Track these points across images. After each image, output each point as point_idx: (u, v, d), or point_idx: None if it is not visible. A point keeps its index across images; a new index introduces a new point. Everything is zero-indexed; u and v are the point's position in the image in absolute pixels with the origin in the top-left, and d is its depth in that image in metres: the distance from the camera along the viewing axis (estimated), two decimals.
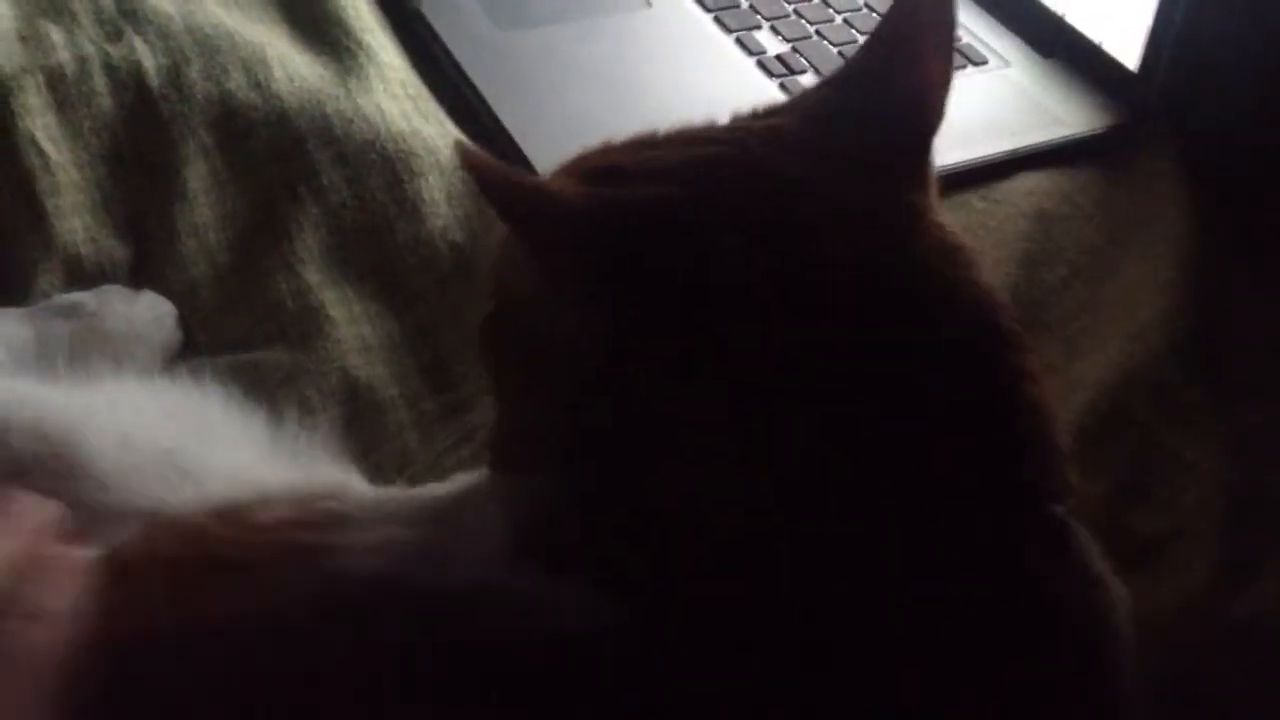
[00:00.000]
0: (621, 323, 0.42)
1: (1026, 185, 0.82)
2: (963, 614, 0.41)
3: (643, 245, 0.42)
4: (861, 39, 0.94)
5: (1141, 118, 0.89)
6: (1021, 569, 0.42)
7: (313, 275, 0.72)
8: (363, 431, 0.65)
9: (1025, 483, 0.43)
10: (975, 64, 0.94)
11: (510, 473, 0.48)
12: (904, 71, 0.47)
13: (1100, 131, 0.89)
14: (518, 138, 0.83)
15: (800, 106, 0.49)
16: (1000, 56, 0.95)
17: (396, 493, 0.54)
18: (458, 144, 0.42)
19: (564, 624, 0.41)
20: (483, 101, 0.86)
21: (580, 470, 0.43)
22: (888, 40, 0.48)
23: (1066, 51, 0.93)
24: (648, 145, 0.47)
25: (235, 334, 0.71)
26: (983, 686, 0.40)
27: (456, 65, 0.88)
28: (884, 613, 0.40)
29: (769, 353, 0.41)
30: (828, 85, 0.49)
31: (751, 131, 0.47)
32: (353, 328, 0.70)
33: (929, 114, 0.47)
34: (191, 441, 0.55)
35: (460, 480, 0.52)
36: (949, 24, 0.48)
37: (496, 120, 0.84)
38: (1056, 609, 0.42)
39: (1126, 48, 0.90)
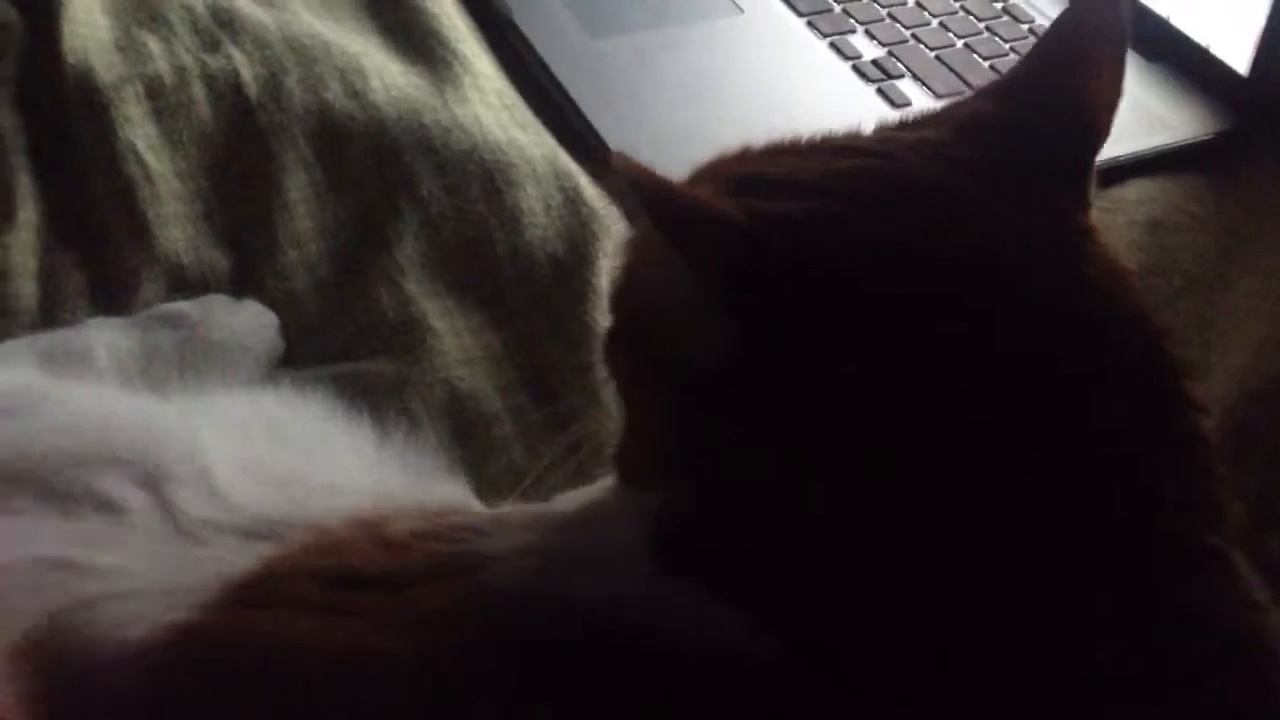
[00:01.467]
0: (773, 338, 0.41)
1: (1137, 193, 0.80)
2: (1129, 645, 0.39)
3: (798, 262, 0.41)
4: (960, 43, 0.93)
5: (1252, 122, 0.86)
6: (1188, 598, 0.40)
7: (413, 286, 0.72)
8: (470, 445, 0.64)
9: (1190, 512, 0.42)
10: None
11: (637, 481, 0.47)
12: (1070, 85, 0.45)
13: (1209, 137, 0.87)
14: (614, 146, 0.82)
15: (954, 117, 0.47)
16: None
17: (518, 509, 0.53)
18: (617, 155, 0.40)
19: (700, 640, 0.40)
20: (577, 110, 0.85)
21: (721, 485, 0.42)
22: (1053, 52, 0.47)
23: (1173, 55, 0.91)
24: (791, 153, 0.46)
25: (337, 345, 0.70)
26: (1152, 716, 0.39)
27: (550, 74, 0.88)
28: (1041, 645, 0.39)
29: (929, 373, 0.40)
30: (983, 97, 0.47)
31: (903, 143, 0.45)
32: (455, 339, 0.70)
33: (1095, 131, 0.45)
34: (302, 452, 0.55)
35: (583, 494, 0.51)
36: (1121, 38, 0.46)
37: (591, 128, 0.83)
38: (1224, 637, 0.40)
39: (1236, 51, 0.87)
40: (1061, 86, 0.46)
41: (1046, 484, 0.40)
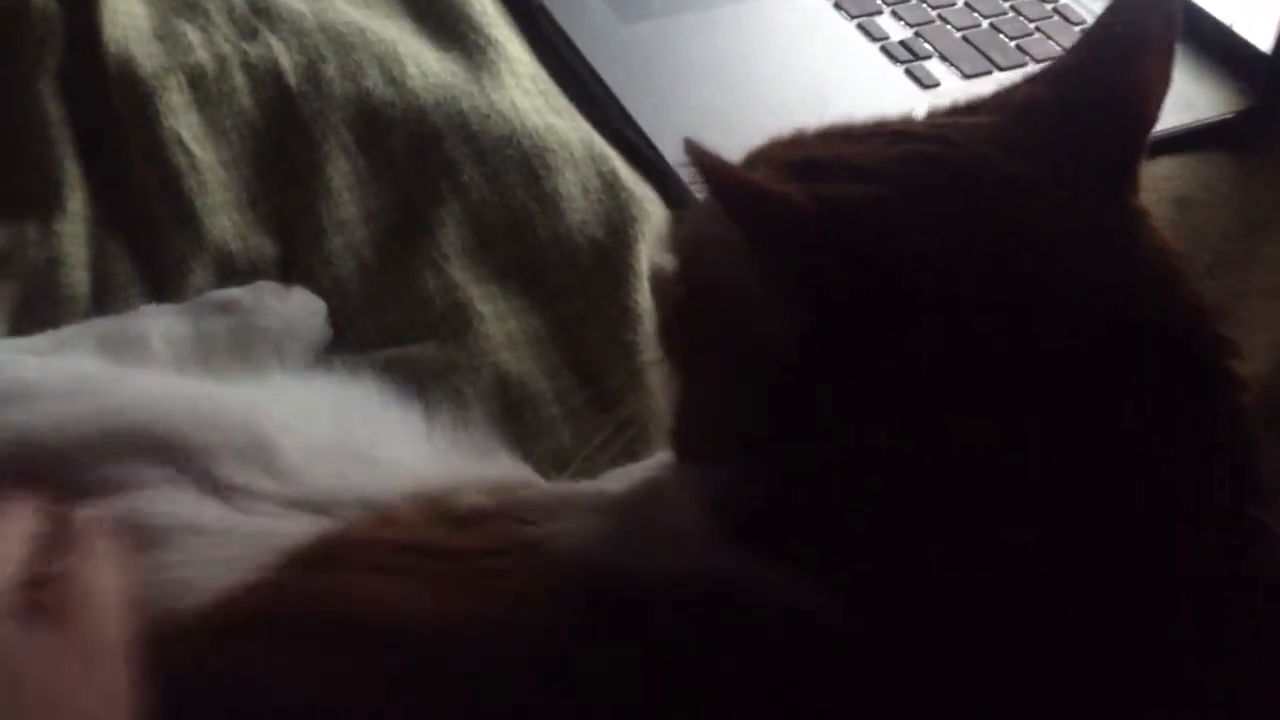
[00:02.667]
0: (832, 321, 0.42)
1: (1165, 170, 0.81)
2: (1174, 618, 0.41)
3: (857, 247, 0.42)
4: (985, 23, 0.94)
5: (1275, 100, 0.88)
6: (1246, 574, 0.42)
7: (458, 272, 0.73)
8: (519, 426, 0.66)
9: (1230, 486, 0.43)
10: None
11: (695, 458, 0.48)
12: (1123, 72, 0.47)
13: (1232, 115, 0.88)
14: (648, 129, 0.83)
15: (1008, 102, 0.48)
16: None
17: (579, 485, 0.54)
18: (687, 141, 0.41)
19: (775, 611, 0.42)
20: (610, 94, 0.86)
21: (777, 459, 0.44)
22: (1106, 39, 0.48)
23: (1197, 34, 0.92)
24: (845, 139, 0.47)
25: (384, 330, 0.72)
26: (1224, 695, 0.41)
27: (582, 58, 0.89)
28: (1109, 627, 0.40)
29: (989, 357, 0.41)
30: (1037, 82, 0.48)
31: (958, 128, 0.46)
32: (500, 324, 0.71)
33: (1145, 116, 0.47)
34: (363, 432, 0.57)
35: (635, 471, 0.53)
36: (1172, 26, 0.47)
37: (625, 112, 0.85)
38: (1269, 605, 0.42)
39: (1259, 29, 0.89)
40: (1114, 73, 0.47)
41: (1100, 466, 0.41)
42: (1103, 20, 0.49)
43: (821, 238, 0.42)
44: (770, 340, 0.43)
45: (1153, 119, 0.47)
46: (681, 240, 0.50)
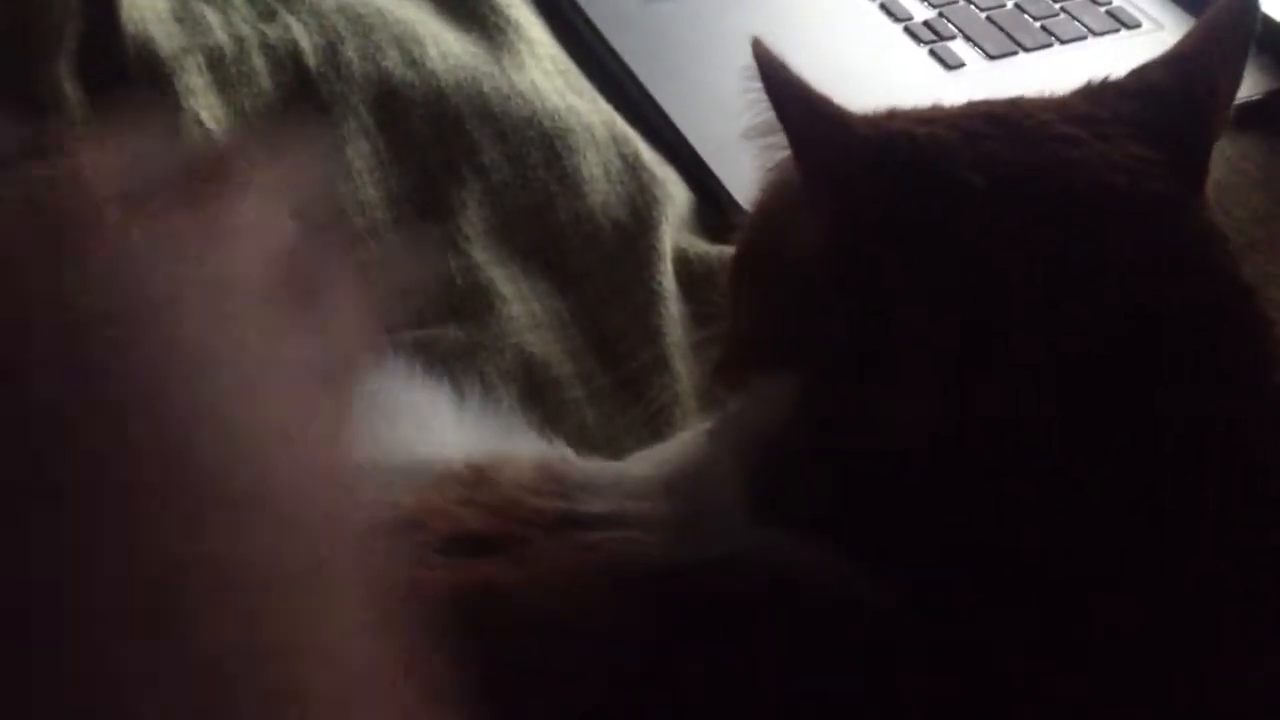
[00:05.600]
0: (860, 240, 0.43)
1: None
2: (1205, 625, 0.40)
3: (902, 175, 0.43)
4: (1010, 3, 0.93)
5: None
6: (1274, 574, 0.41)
7: (479, 253, 0.73)
8: (542, 408, 0.65)
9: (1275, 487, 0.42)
10: (1128, 27, 0.92)
11: (732, 387, 0.49)
12: (1197, 68, 0.47)
13: (1260, 97, 0.87)
14: (669, 110, 0.83)
15: (1089, 87, 0.48)
16: (1153, 19, 0.92)
17: (613, 464, 0.54)
18: (755, 41, 0.43)
19: (816, 594, 0.41)
20: (630, 75, 0.86)
21: (803, 408, 0.43)
22: (1189, 41, 0.48)
23: None
24: (935, 107, 0.48)
25: (405, 311, 0.71)
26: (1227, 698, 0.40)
27: (602, 39, 0.88)
28: (1119, 622, 0.40)
29: (1014, 308, 0.41)
30: (1126, 74, 0.49)
31: (1034, 100, 0.47)
32: (523, 305, 0.71)
33: (1215, 117, 0.47)
34: (391, 413, 0.56)
35: (662, 452, 0.52)
36: (1249, 35, 0.48)
37: (646, 93, 0.84)
38: None
39: None
40: (1190, 69, 0.47)
41: (1118, 451, 0.41)
42: (1193, 28, 0.49)
43: (863, 155, 0.43)
44: (802, 256, 0.44)
45: (1221, 123, 0.47)
46: (763, 181, 0.51)
